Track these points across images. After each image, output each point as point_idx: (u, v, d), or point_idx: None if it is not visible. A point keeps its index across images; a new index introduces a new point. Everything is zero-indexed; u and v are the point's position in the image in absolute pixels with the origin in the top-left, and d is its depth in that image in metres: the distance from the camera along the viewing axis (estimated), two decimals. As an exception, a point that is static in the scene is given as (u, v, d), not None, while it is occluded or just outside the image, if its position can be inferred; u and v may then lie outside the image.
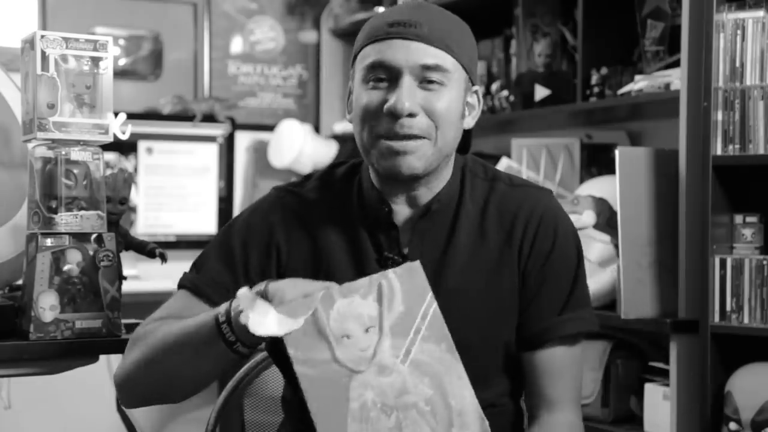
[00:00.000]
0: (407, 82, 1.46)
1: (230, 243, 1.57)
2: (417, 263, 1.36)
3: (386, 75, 1.48)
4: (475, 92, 1.58)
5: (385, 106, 1.46)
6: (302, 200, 1.60)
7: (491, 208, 1.57)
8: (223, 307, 1.38)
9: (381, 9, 3.65)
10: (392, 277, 1.33)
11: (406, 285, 1.33)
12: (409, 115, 1.46)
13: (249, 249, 1.56)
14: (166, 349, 1.44)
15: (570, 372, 1.54)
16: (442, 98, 1.49)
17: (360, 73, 1.51)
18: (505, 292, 1.53)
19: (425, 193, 1.55)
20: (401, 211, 1.56)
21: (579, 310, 1.55)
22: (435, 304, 1.34)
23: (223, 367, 1.45)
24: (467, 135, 1.64)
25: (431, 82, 1.48)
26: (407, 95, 1.46)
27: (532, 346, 1.53)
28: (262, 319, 1.30)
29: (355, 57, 1.54)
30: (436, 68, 1.47)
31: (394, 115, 1.46)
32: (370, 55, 1.49)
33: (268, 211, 1.59)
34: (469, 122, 1.58)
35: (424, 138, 1.48)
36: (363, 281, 1.33)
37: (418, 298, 1.34)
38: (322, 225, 1.57)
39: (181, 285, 1.57)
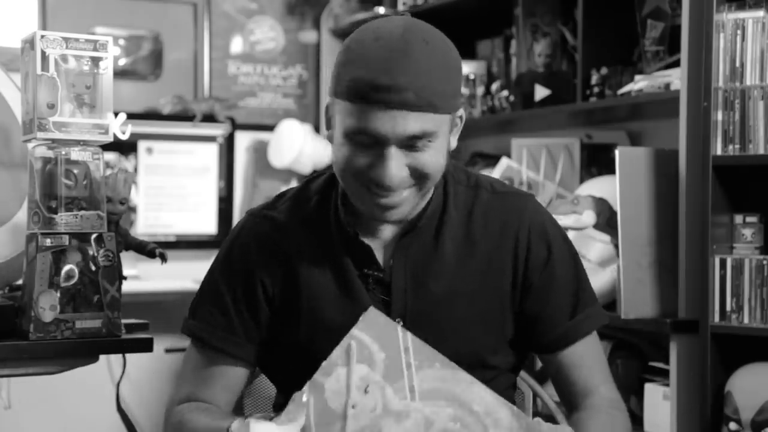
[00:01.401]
0: (393, 152, 1.41)
1: (216, 285, 1.58)
2: (370, 309, 1.35)
3: (371, 141, 1.42)
4: (462, 115, 1.52)
5: (372, 174, 1.43)
6: (277, 225, 1.58)
7: (476, 215, 1.56)
8: None
9: (381, 9, 3.65)
10: (357, 333, 1.32)
11: (374, 332, 1.32)
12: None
13: (234, 287, 1.56)
14: None
15: (594, 360, 1.58)
16: (428, 155, 1.44)
17: (341, 126, 1.44)
18: (495, 298, 1.54)
19: (409, 215, 1.53)
20: (384, 228, 1.55)
21: (589, 308, 1.58)
22: (409, 333, 1.34)
23: None
24: None
25: (419, 143, 1.42)
26: (395, 167, 1.42)
27: (551, 350, 1.56)
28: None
29: (334, 95, 1.47)
30: (423, 135, 1.41)
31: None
32: (352, 116, 1.41)
33: (245, 245, 1.58)
34: (453, 143, 1.52)
35: (411, 188, 1.46)
36: (336, 352, 1.31)
37: (392, 337, 1.33)
38: (299, 249, 1.55)
39: (184, 331, 1.61)
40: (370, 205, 1.47)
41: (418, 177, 1.45)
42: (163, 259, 1.84)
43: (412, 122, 1.40)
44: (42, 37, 1.64)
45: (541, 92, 3.07)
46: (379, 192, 1.45)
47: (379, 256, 1.54)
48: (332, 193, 1.58)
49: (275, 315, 1.56)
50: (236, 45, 4.09)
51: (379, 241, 1.55)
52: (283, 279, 1.55)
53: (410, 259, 1.53)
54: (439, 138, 1.44)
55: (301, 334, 1.53)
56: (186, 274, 3.74)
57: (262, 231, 1.58)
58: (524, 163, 3.21)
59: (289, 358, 1.56)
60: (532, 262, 1.55)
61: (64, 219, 1.64)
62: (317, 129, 4.13)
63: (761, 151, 2.31)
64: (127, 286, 1.77)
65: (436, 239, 1.54)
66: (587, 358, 1.57)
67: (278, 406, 1.67)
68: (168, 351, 3.47)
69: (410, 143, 1.42)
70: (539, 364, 2.69)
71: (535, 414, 1.80)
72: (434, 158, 1.45)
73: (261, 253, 1.56)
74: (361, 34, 1.44)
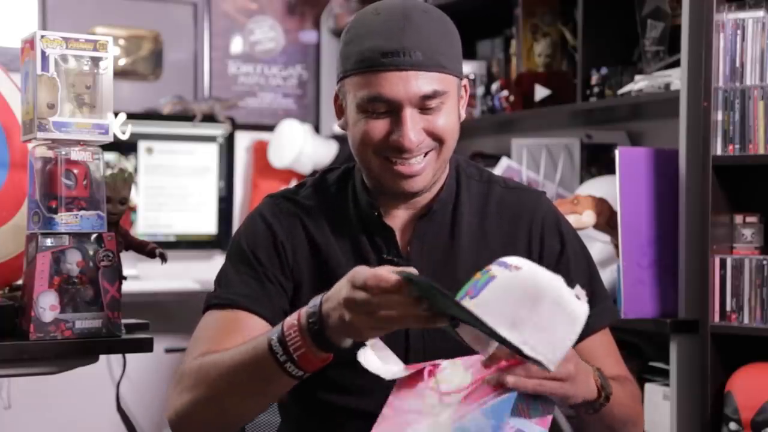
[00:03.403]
0: (409, 114, 1.47)
1: (241, 253, 1.58)
2: None
3: (386, 107, 1.47)
4: (466, 86, 1.58)
5: (391, 140, 1.47)
6: (299, 205, 1.60)
7: (490, 209, 1.59)
8: (276, 330, 1.36)
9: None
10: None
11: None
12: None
13: (258, 253, 1.57)
14: (223, 381, 1.41)
15: (608, 351, 1.59)
16: (441, 117, 1.49)
17: (354, 100, 1.50)
18: None
19: (425, 197, 1.57)
20: (400, 214, 1.57)
21: (603, 302, 1.60)
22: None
23: (279, 391, 1.42)
24: None
25: (432, 105, 1.48)
26: (412, 129, 1.46)
27: None
28: (379, 363, 1.32)
29: (343, 76, 1.51)
30: (434, 95, 1.47)
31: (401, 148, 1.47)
32: (365, 86, 1.47)
33: (266, 215, 1.60)
34: (462, 114, 1.58)
35: (426, 156, 1.50)
36: (476, 358, 1.31)
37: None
38: (320, 228, 1.57)
39: (210, 305, 1.56)
40: (392, 176, 1.50)
41: (435, 140, 1.49)
42: (163, 259, 1.84)
43: (423, 82, 1.46)
44: (42, 37, 1.64)
45: (541, 92, 3.07)
46: (399, 160, 1.48)
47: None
48: (349, 184, 1.61)
49: (295, 290, 1.56)
50: (236, 45, 4.09)
51: (395, 228, 1.57)
52: (305, 253, 1.56)
53: (427, 248, 1.55)
54: (450, 100, 1.50)
55: None
56: (186, 274, 3.74)
57: (285, 208, 1.60)
58: (524, 163, 3.21)
59: None
60: (545, 255, 1.57)
61: (64, 219, 1.64)
62: (317, 129, 4.13)
63: (761, 151, 2.31)
64: (127, 286, 1.76)
65: (451, 230, 1.57)
66: (602, 350, 1.58)
67: (283, 404, 1.67)
68: (168, 351, 3.47)
69: (424, 104, 1.47)
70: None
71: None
72: (448, 120, 1.50)
73: (283, 225, 1.58)
74: (361, 14, 1.52)
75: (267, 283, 1.54)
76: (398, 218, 1.57)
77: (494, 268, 1.25)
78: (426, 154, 1.50)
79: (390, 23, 1.47)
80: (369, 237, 1.56)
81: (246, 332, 1.48)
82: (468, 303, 1.24)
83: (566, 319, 1.23)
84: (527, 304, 1.22)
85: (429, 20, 1.49)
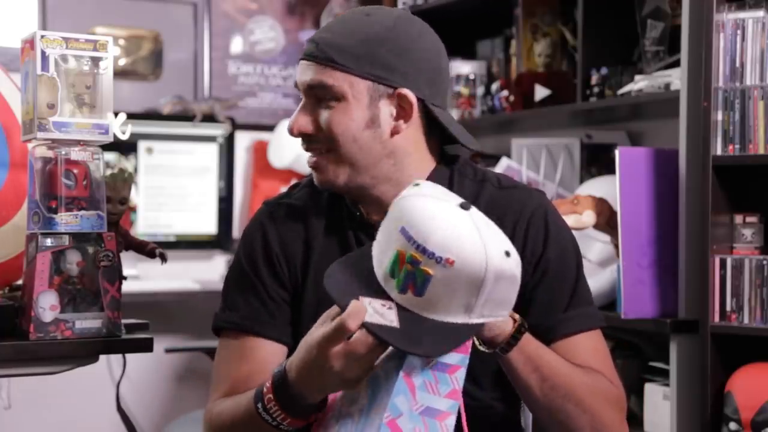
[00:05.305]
0: (304, 104, 1.52)
1: (241, 269, 1.60)
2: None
3: (301, 95, 1.54)
4: (404, 95, 1.50)
5: None
6: (293, 209, 1.62)
7: (480, 209, 1.55)
8: (259, 395, 1.39)
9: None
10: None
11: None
12: (308, 135, 1.52)
13: (257, 268, 1.58)
14: None
15: (593, 353, 1.53)
16: (335, 115, 1.50)
17: None
18: None
19: (389, 198, 1.52)
20: (377, 213, 1.56)
21: (584, 307, 1.55)
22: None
23: None
24: (450, 143, 1.61)
25: (325, 99, 1.50)
26: (297, 116, 1.52)
27: (544, 342, 1.49)
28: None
29: None
30: (319, 86, 1.49)
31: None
32: None
33: (262, 225, 1.62)
34: (399, 129, 1.52)
35: (327, 153, 1.52)
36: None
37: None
38: (313, 230, 1.59)
39: (220, 327, 1.60)
40: (310, 167, 1.57)
41: (324, 136, 1.51)
42: (163, 259, 1.84)
43: (312, 72, 1.49)
44: (42, 37, 1.63)
45: (541, 92, 3.07)
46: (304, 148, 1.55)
47: None
48: None
49: (297, 297, 1.58)
50: (236, 45, 4.09)
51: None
52: (297, 260, 1.58)
53: None
54: (347, 101, 1.49)
55: (305, 319, 1.54)
56: (186, 274, 3.74)
57: (279, 216, 1.61)
58: (524, 163, 3.21)
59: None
60: (527, 254, 1.51)
61: (64, 219, 1.64)
62: (317, 129, 4.13)
63: (761, 151, 2.31)
64: (127, 286, 1.76)
65: None
66: (582, 350, 1.51)
67: None
68: (168, 351, 3.48)
69: (316, 96, 1.50)
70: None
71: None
72: (339, 120, 1.49)
73: (277, 235, 1.59)
74: None
75: (269, 301, 1.57)
76: (377, 217, 1.55)
77: (424, 261, 1.28)
78: (327, 151, 1.52)
79: (338, 17, 1.56)
80: (356, 235, 1.58)
81: (258, 358, 1.54)
82: (413, 301, 1.29)
83: (509, 284, 1.32)
84: (474, 291, 1.29)
85: (360, 20, 1.51)
